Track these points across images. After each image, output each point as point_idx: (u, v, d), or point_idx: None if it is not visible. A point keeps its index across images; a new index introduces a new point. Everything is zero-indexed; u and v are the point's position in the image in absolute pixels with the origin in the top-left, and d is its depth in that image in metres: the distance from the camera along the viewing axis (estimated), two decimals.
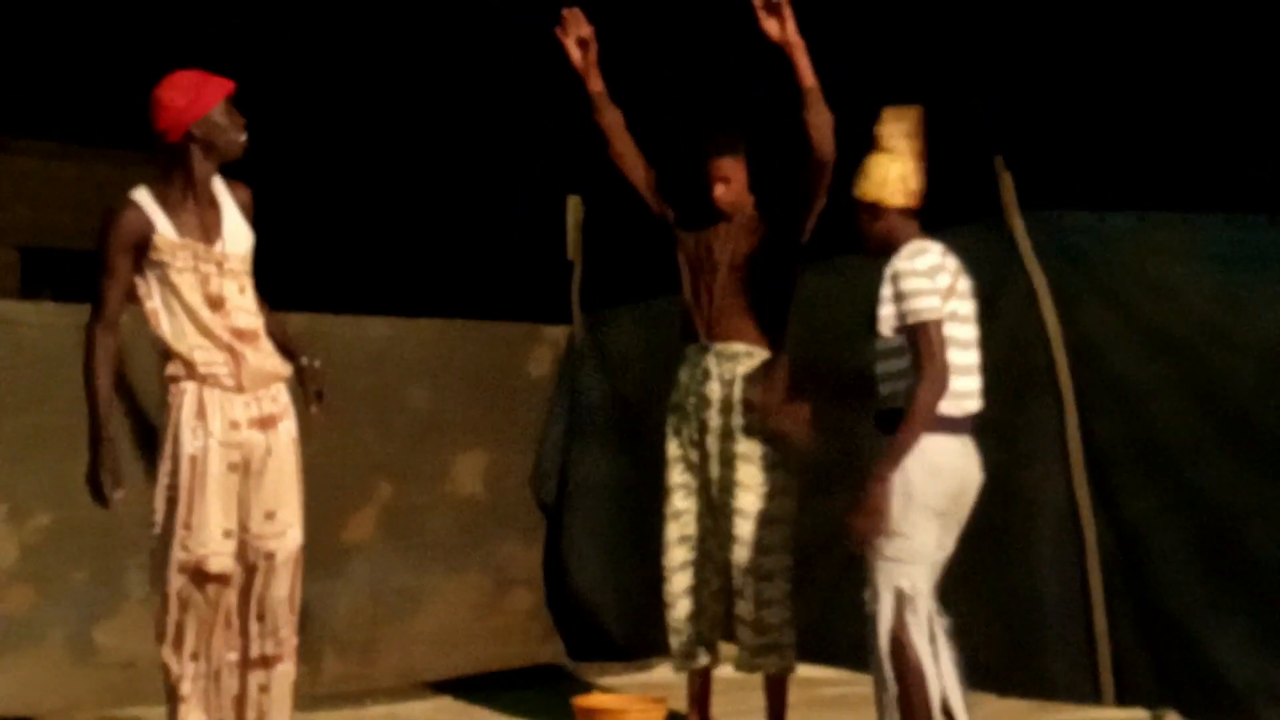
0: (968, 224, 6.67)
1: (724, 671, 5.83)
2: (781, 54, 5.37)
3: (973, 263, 6.60)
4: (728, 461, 5.51)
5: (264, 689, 4.94)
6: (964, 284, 5.00)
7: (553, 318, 8.44)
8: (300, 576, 4.98)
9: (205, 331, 4.75)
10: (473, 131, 15.22)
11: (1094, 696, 6.44)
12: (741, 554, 5.50)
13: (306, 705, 5.83)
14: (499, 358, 8.16)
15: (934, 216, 5.33)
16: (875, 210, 4.96)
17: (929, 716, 4.84)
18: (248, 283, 4.89)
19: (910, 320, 4.83)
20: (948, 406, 4.86)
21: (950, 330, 4.87)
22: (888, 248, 4.97)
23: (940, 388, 4.79)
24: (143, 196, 4.76)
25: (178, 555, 4.72)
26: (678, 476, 5.68)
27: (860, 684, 6.20)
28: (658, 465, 5.79)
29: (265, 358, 4.86)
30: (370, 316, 7.83)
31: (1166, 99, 10.77)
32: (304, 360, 5.11)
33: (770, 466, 5.50)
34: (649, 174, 5.83)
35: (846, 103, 5.44)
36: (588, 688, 6.85)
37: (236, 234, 4.87)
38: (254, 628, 4.91)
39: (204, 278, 4.77)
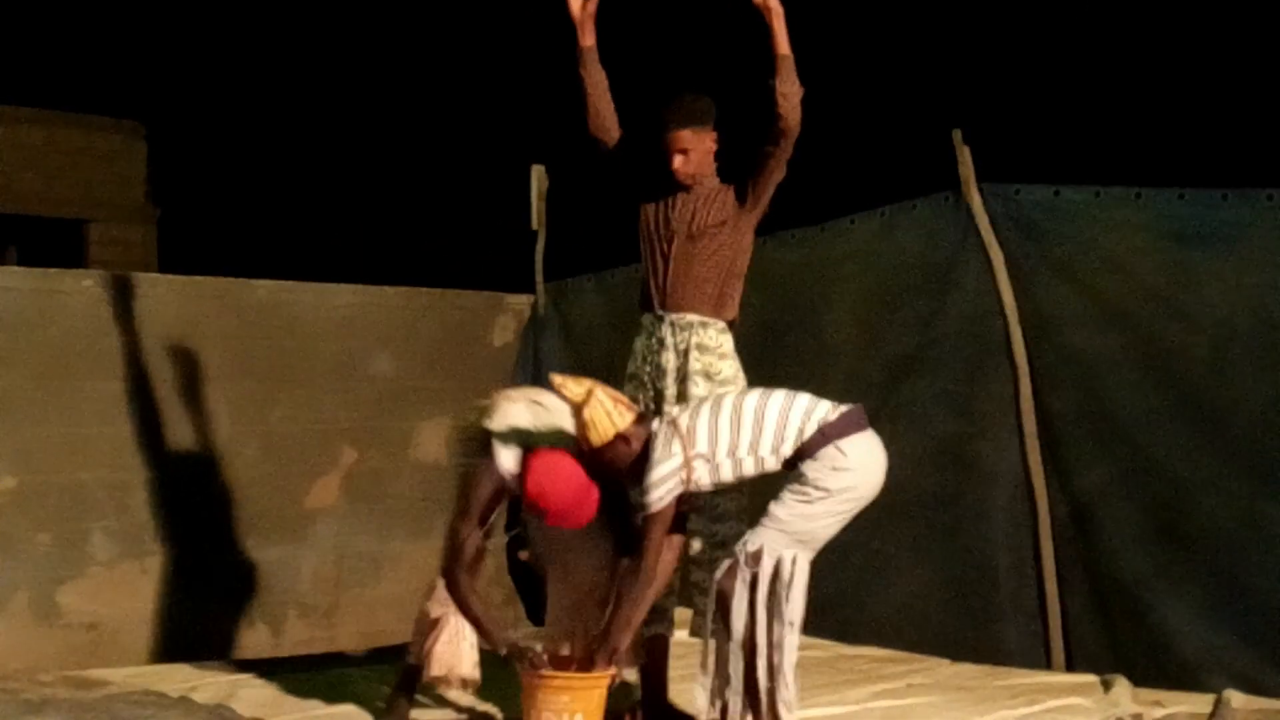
0: (926, 197, 6.75)
1: (679, 636, 5.87)
2: (759, 19, 5.30)
3: (931, 236, 6.71)
4: None
5: None
6: None
7: (516, 287, 8.47)
8: None
9: None
10: (438, 100, 15.19)
11: (1045, 662, 6.51)
12: (697, 522, 5.52)
13: (268, 668, 5.88)
14: (463, 326, 8.20)
15: (893, 189, 5.36)
16: None
17: None
18: None
19: None
20: None
21: None
22: None
23: None
24: None
25: None
26: None
27: (814, 648, 6.30)
28: None
29: None
30: (336, 284, 7.86)
31: (1123, 75, 10.84)
32: None
33: None
34: (620, 139, 5.73)
35: (810, 76, 5.43)
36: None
37: None
38: None
39: None
